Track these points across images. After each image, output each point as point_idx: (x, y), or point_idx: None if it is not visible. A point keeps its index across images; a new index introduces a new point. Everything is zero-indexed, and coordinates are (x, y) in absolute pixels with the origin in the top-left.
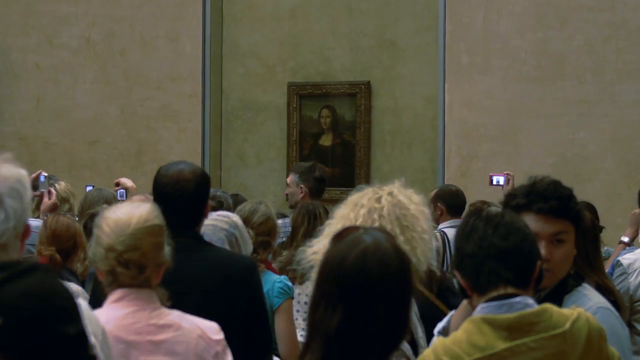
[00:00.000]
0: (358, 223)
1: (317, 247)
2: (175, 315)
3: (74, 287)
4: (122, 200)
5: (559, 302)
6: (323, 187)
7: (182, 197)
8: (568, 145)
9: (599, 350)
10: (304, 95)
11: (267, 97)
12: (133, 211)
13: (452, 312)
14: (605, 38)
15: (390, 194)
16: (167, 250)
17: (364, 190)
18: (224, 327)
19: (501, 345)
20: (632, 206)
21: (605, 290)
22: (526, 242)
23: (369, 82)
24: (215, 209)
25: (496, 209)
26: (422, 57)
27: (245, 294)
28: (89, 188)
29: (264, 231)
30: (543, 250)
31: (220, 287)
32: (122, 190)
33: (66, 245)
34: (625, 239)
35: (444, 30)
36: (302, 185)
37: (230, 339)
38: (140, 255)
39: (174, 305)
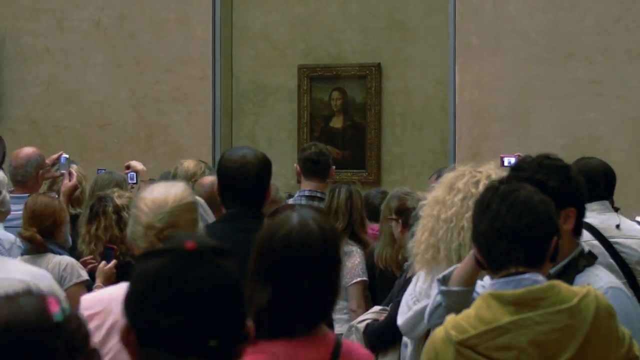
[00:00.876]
0: (452, 211)
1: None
2: None
3: (67, 259)
4: (133, 183)
5: (570, 282)
6: (313, 167)
7: (246, 181)
8: (579, 126)
9: (608, 327)
10: (315, 77)
11: (277, 80)
12: (169, 190)
13: (456, 265)
14: (616, 18)
15: (489, 177)
16: (200, 225)
17: (460, 171)
18: None
19: (507, 319)
20: None
21: None
22: (540, 220)
23: (379, 64)
24: None
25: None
26: (433, 38)
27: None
28: (100, 171)
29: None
30: None
31: None
32: (132, 173)
33: (47, 224)
34: None
35: (454, 12)
36: (296, 165)
37: None
38: (178, 231)
39: None
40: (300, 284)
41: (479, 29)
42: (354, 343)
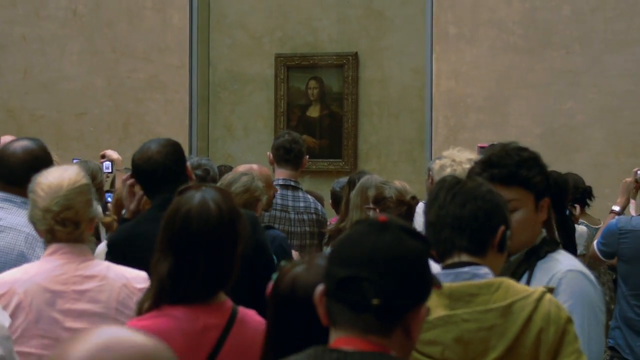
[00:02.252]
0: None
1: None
2: (104, 267)
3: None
4: (109, 172)
5: (532, 268)
6: (286, 154)
7: (159, 170)
8: (556, 115)
9: (545, 334)
10: (292, 66)
11: (254, 69)
12: (63, 175)
13: None
14: (593, 8)
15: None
16: (95, 206)
17: (440, 164)
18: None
19: (440, 313)
20: (620, 176)
21: None
22: (483, 208)
23: (356, 53)
24: (201, 177)
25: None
26: (410, 27)
27: (249, 244)
28: (75, 161)
29: (240, 202)
30: None
31: None
32: (107, 162)
33: None
34: (616, 208)
35: (432, 1)
36: (269, 153)
37: (239, 286)
38: (74, 213)
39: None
40: (197, 257)
41: (456, 18)
42: (249, 310)
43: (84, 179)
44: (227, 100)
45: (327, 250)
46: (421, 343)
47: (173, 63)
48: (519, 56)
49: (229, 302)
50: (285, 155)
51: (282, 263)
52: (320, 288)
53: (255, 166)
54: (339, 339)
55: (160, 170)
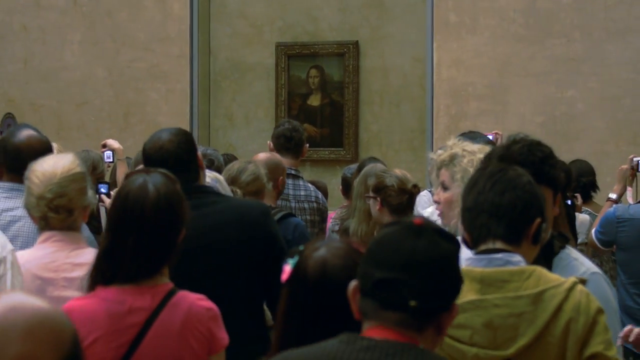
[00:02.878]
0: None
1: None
2: (94, 255)
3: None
4: (110, 162)
5: (548, 264)
6: (286, 142)
7: (170, 159)
8: (557, 103)
9: (575, 323)
10: (292, 55)
11: (255, 58)
12: (57, 163)
13: None
14: None
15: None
16: (90, 194)
17: (453, 151)
18: (245, 267)
19: (471, 297)
20: (620, 164)
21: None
22: (522, 198)
23: (357, 42)
24: (206, 167)
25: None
26: (410, 16)
27: (261, 235)
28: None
29: (251, 190)
30: None
31: (238, 231)
32: (109, 152)
33: None
34: (613, 196)
35: None
36: (269, 142)
37: (251, 279)
38: (67, 200)
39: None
40: (128, 238)
41: (457, 6)
42: (193, 295)
43: (78, 167)
44: (227, 89)
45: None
46: (451, 326)
47: (174, 52)
48: (520, 44)
49: (167, 286)
50: (286, 143)
51: (300, 247)
52: (353, 283)
53: (276, 155)
54: (370, 329)
55: (172, 159)
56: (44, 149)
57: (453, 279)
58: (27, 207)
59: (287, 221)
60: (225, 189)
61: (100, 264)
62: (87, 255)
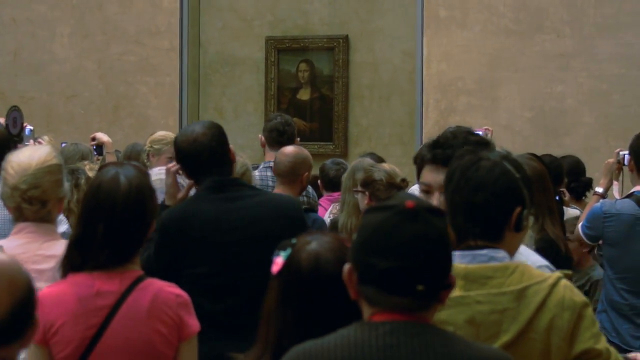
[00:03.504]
0: None
1: None
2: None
3: None
4: (99, 156)
5: None
6: (279, 136)
7: (205, 152)
8: (546, 98)
9: (560, 319)
10: (282, 49)
11: (244, 51)
12: (33, 154)
13: None
14: None
15: None
16: (66, 186)
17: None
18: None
19: (454, 293)
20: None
21: (559, 243)
22: (497, 194)
23: (347, 36)
24: None
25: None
26: (400, 10)
27: (297, 229)
28: (63, 144)
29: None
30: (435, 201)
31: (275, 225)
32: (98, 145)
33: None
34: (600, 190)
35: None
36: (260, 135)
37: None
38: (41, 192)
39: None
40: (97, 227)
41: (447, 1)
42: (161, 282)
43: (54, 159)
44: (217, 83)
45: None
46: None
47: (163, 46)
48: (510, 39)
49: (136, 272)
50: (278, 137)
51: (292, 240)
52: (347, 267)
53: (304, 150)
54: (379, 314)
55: (206, 152)
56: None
57: (449, 253)
58: (2, 197)
59: (307, 216)
60: None
61: (71, 251)
62: (59, 247)
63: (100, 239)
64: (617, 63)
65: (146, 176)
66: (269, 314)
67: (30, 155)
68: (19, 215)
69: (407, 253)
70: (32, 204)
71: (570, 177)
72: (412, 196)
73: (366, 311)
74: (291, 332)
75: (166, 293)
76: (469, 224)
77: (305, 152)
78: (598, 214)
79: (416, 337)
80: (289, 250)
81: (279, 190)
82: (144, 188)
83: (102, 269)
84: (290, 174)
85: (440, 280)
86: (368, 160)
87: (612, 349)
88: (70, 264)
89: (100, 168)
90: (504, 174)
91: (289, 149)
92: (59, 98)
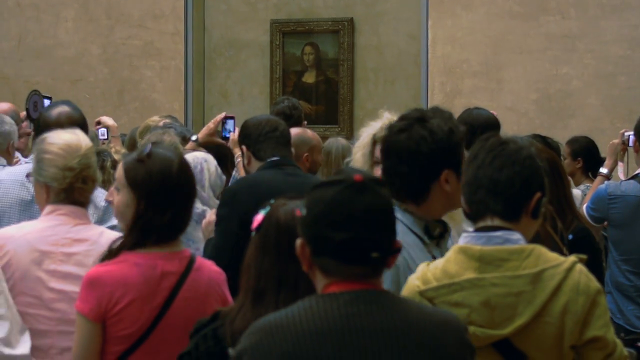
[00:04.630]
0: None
1: None
2: (97, 232)
3: None
4: (104, 139)
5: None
6: (286, 120)
7: (277, 132)
8: (552, 80)
9: (574, 304)
10: (287, 32)
11: (249, 35)
12: (77, 135)
13: None
14: None
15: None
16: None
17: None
18: None
19: (469, 275)
20: None
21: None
22: (521, 174)
23: (352, 18)
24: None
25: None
26: None
27: None
28: None
29: None
30: None
31: None
32: (103, 129)
33: None
34: (605, 171)
35: None
36: None
37: None
38: (93, 171)
39: None
40: (166, 205)
41: None
42: (207, 261)
43: (92, 143)
44: (222, 66)
45: None
46: (448, 304)
47: (168, 30)
48: (515, 21)
49: (187, 251)
50: (286, 121)
51: (271, 200)
52: (299, 241)
53: (309, 131)
54: (336, 284)
55: (279, 130)
56: (75, 125)
57: (394, 220)
58: (46, 180)
59: None
60: (210, 170)
61: (133, 229)
62: (89, 231)
63: (168, 217)
64: (622, 44)
65: (182, 157)
66: (249, 264)
67: (76, 137)
68: (64, 197)
69: (361, 223)
70: (87, 184)
71: (586, 156)
72: (357, 170)
73: (321, 282)
74: (268, 274)
75: (215, 272)
76: (491, 200)
77: (308, 133)
78: (603, 195)
79: (374, 304)
80: (268, 208)
81: None
82: (190, 168)
83: (159, 247)
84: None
85: (390, 247)
86: (342, 141)
87: (619, 342)
88: (130, 242)
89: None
90: (530, 157)
91: (292, 131)
92: (64, 83)
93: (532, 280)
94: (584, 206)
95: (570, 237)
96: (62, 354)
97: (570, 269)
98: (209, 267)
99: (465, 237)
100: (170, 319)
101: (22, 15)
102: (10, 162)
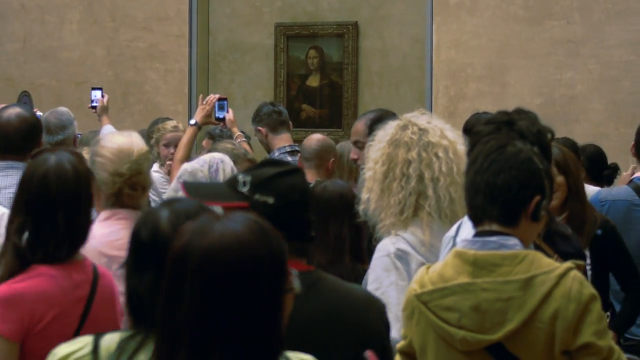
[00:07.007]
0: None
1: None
2: None
3: None
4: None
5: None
6: (279, 117)
7: None
8: (556, 85)
9: (565, 310)
10: (291, 35)
11: (254, 38)
12: (131, 139)
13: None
14: None
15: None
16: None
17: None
18: None
19: (463, 279)
20: (619, 146)
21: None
22: (518, 178)
23: (356, 22)
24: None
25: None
26: None
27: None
28: (79, 135)
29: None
30: None
31: None
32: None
33: None
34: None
35: None
36: (259, 128)
37: None
38: (143, 178)
39: None
40: (56, 217)
41: None
42: (100, 266)
43: (145, 146)
44: (226, 69)
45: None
46: (440, 308)
47: (173, 32)
48: (519, 26)
49: (88, 260)
50: (280, 117)
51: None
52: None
53: (327, 138)
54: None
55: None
56: (29, 126)
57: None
58: (96, 181)
59: None
60: (226, 170)
61: (22, 246)
62: None
63: (59, 229)
64: (626, 49)
65: (83, 159)
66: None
67: (130, 142)
68: (114, 202)
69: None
70: (136, 190)
71: (594, 164)
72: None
73: None
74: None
75: (111, 276)
76: (488, 205)
77: (330, 140)
78: (594, 201)
79: (312, 286)
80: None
81: None
82: (88, 172)
83: (66, 259)
84: (316, 157)
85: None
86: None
87: (617, 348)
88: (26, 258)
89: (33, 156)
90: (528, 160)
91: (317, 135)
92: (68, 84)
93: (522, 286)
94: None
95: (599, 232)
96: None
97: (562, 275)
98: (106, 272)
99: (463, 241)
100: (89, 329)
101: (27, 17)
102: None
